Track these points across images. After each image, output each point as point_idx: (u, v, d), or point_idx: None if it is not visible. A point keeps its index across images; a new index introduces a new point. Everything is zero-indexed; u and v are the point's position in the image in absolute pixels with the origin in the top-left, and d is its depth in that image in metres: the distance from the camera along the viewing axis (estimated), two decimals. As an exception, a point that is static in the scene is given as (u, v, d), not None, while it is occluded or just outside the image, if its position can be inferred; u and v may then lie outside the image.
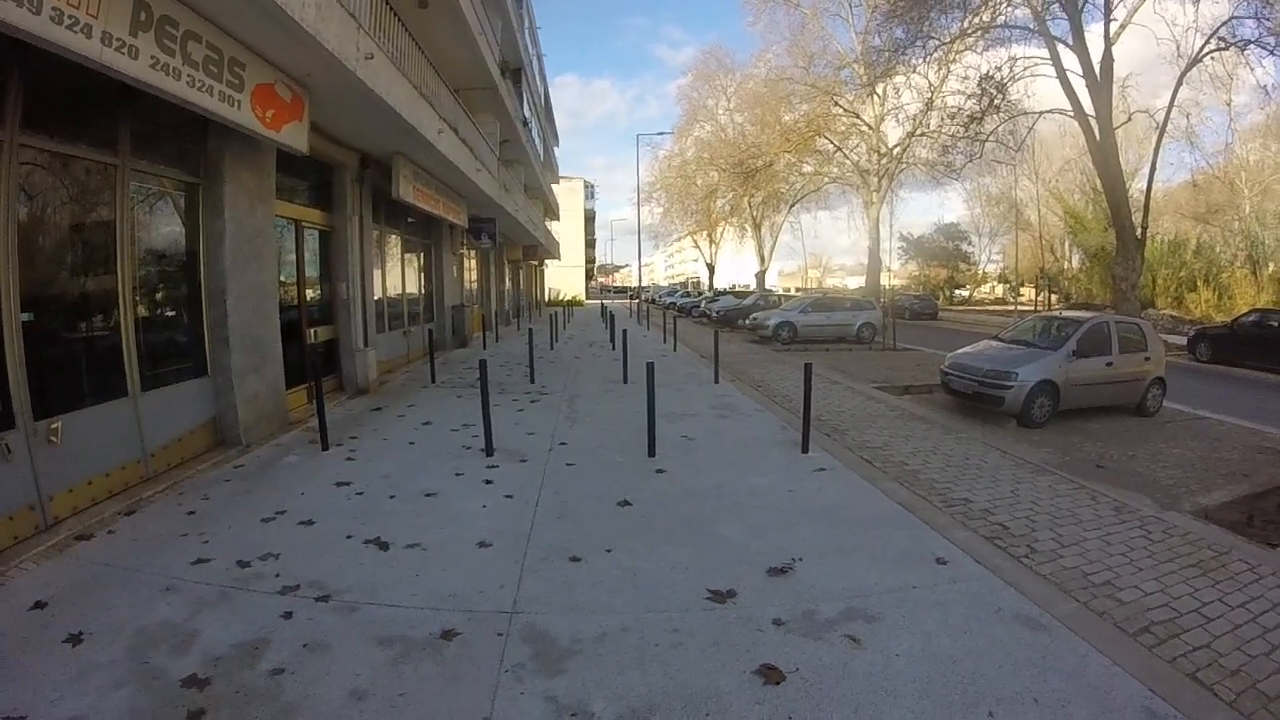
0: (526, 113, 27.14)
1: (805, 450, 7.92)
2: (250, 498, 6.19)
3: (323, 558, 4.85)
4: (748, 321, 25.22)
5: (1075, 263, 58.20)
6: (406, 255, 16.38)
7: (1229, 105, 25.95)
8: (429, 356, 13.36)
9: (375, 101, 9.04)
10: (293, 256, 10.60)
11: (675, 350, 18.74)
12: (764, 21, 44.18)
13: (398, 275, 15.61)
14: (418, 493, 6.27)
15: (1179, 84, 24.76)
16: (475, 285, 25.68)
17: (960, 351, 12.60)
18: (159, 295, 7.53)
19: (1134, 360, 11.95)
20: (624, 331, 13.31)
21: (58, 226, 6.04)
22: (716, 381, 12.86)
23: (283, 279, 10.09)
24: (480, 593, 4.35)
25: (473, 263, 24.94)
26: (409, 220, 16.18)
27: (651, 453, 7.59)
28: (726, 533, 5.37)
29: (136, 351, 6.60)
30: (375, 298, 13.37)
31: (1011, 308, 55.46)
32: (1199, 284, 42.10)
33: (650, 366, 7.99)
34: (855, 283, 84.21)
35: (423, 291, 17.71)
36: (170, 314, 7.78)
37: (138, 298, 6.77)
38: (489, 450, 7.58)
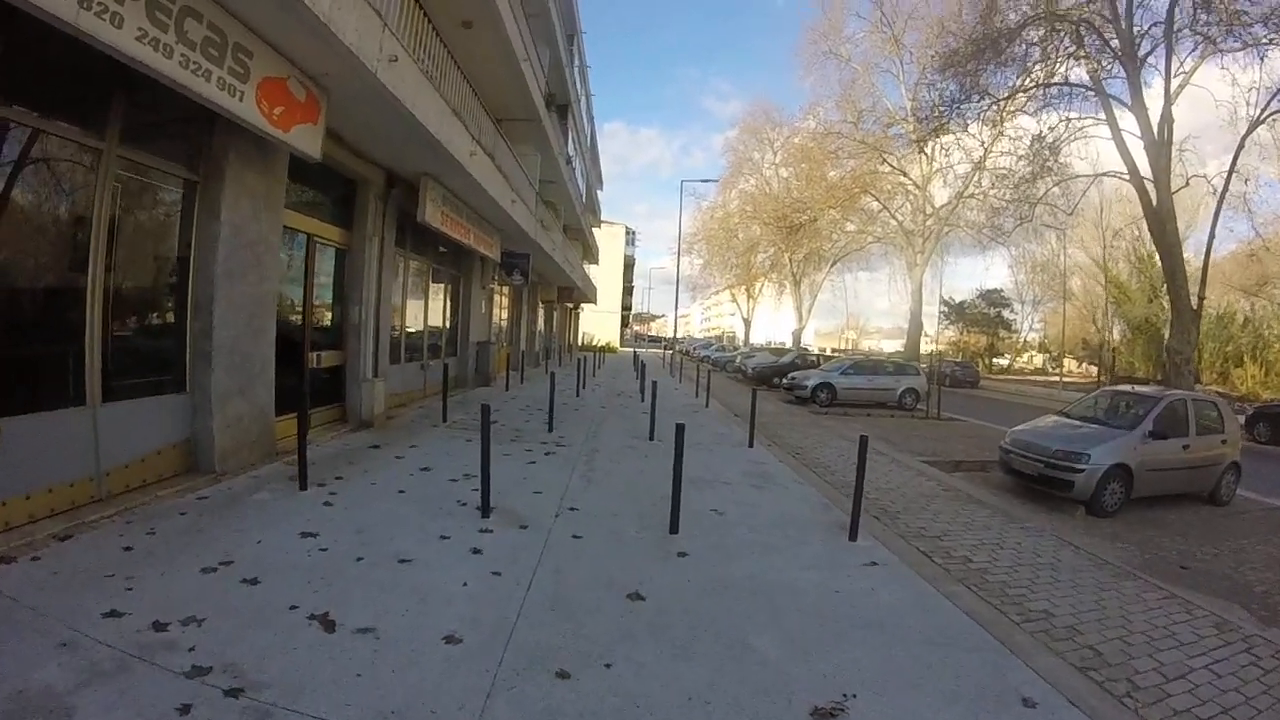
0: (571, 150, 26.54)
1: (853, 537, 6.76)
2: (200, 538, 5.31)
3: (254, 631, 3.91)
4: (785, 381, 24.02)
5: (1116, 334, 57.03)
6: (432, 285, 15.57)
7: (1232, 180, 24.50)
8: (444, 393, 12.30)
9: (399, 111, 8.27)
10: (302, 272, 9.75)
11: (707, 406, 17.65)
12: (814, 76, 44.55)
13: (420, 304, 14.77)
14: (391, 557, 5.23)
15: (1240, 147, 23.51)
16: (505, 323, 24.89)
17: (1022, 428, 11.44)
18: (136, 298, 6.71)
19: (1210, 443, 10.96)
20: (654, 383, 12.24)
21: (20, 207, 5.33)
22: (751, 445, 11.72)
23: (289, 296, 9.27)
24: (432, 715, 3.29)
25: (504, 299, 24.17)
26: (439, 249, 15.40)
27: (674, 529, 6.45)
28: (760, 645, 4.25)
29: (101, 357, 5.86)
30: (391, 326, 12.50)
31: (1055, 378, 54.52)
32: (1246, 359, 40.80)
33: (680, 429, 6.86)
34: (891, 346, 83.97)
35: (447, 324, 16.86)
36: (148, 320, 7.00)
37: (110, 298, 6.00)
38: (485, 510, 6.49)
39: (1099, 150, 29.18)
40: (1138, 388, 12.45)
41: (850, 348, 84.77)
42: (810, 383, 22.12)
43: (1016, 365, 66.35)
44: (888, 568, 6.04)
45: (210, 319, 7.07)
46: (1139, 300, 52.81)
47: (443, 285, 16.31)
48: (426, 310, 15.02)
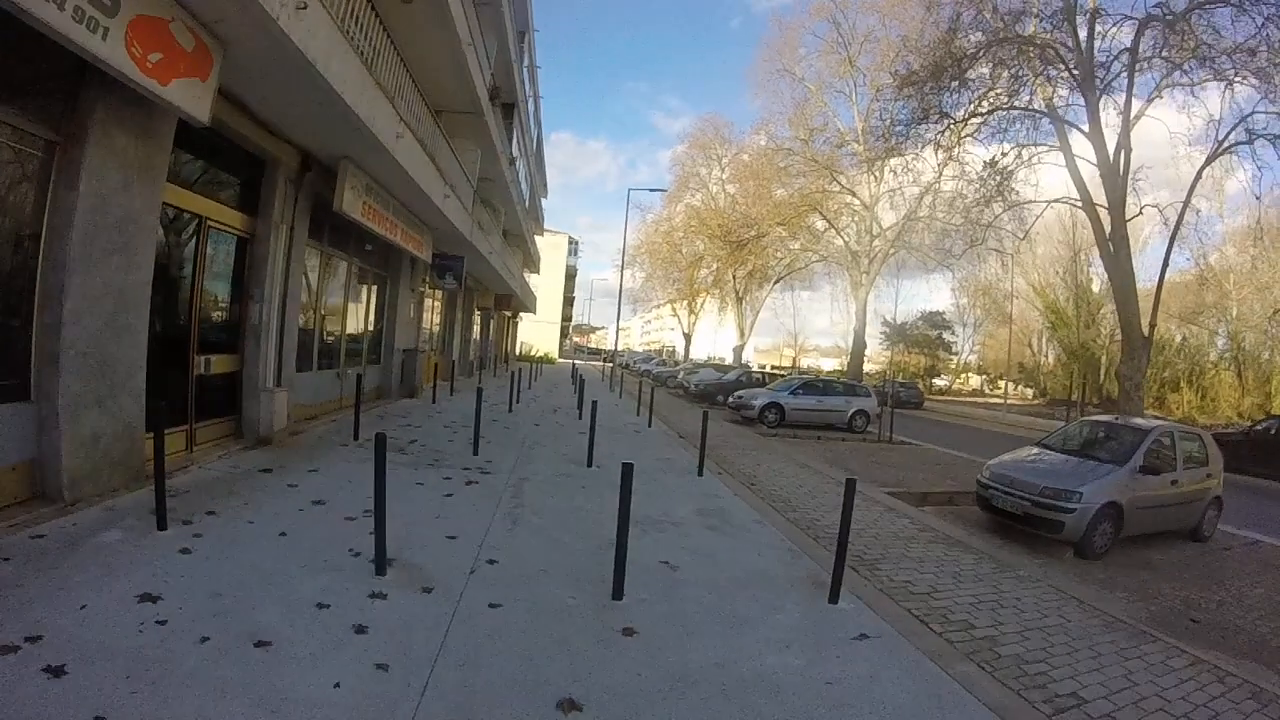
0: (515, 151, 25.24)
1: (834, 599, 5.66)
2: (12, 598, 4.05)
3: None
4: (731, 400, 22.95)
5: (1051, 358, 58.63)
6: (354, 285, 14.14)
7: (1221, 206, 25.25)
8: (356, 406, 10.90)
9: (310, 74, 6.98)
10: (189, 262, 8.31)
11: (650, 425, 16.47)
12: (767, 93, 44.60)
13: (339, 305, 13.35)
14: (247, 636, 3.93)
15: (1198, 176, 23.43)
16: (438, 329, 23.42)
17: (1003, 461, 10.54)
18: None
19: (1196, 477, 10.37)
20: (594, 403, 10.96)
21: None
22: (701, 474, 10.59)
23: (172, 289, 7.89)
24: None
25: (436, 304, 22.71)
26: (364, 245, 14.00)
27: (618, 593, 5.21)
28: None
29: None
30: (301, 328, 11.10)
31: (996, 400, 55.45)
32: (1182, 384, 41.44)
33: (628, 472, 5.73)
34: (829, 364, 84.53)
35: (370, 329, 15.43)
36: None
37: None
38: (381, 565, 5.17)
39: (1043, 178, 29.07)
40: (1122, 418, 11.66)
41: (790, 365, 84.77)
42: (758, 403, 21.10)
43: (955, 386, 66.93)
44: (882, 641, 4.97)
45: (60, 312, 5.71)
46: (1075, 325, 53.80)
47: (366, 286, 14.88)
48: (346, 312, 13.60)
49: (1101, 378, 51.76)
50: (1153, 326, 24.56)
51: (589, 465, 10.25)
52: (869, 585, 6.41)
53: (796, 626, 5.06)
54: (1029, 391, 59.76)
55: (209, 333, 8.87)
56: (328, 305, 12.82)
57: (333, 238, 12.31)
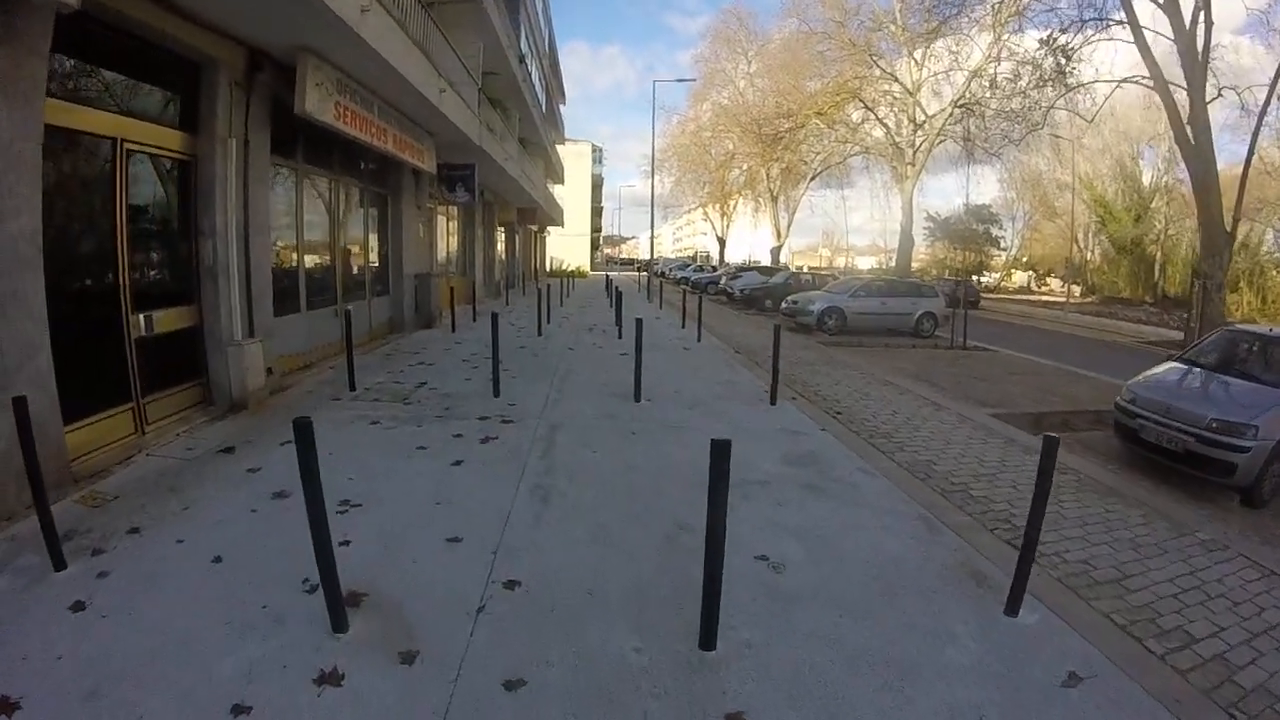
0: (525, 47, 22.82)
1: (1013, 611, 3.81)
2: None
3: None
4: (785, 305, 20.73)
5: (1098, 255, 56.26)
6: (347, 207, 12.18)
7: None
8: (349, 350, 9.04)
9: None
10: (106, 197, 6.39)
11: (700, 340, 14.52)
12: None
13: (327, 232, 11.41)
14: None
15: None
16: (456, 250, 21.48)
17: (1149, 382, 8.45)
18: None
19: None
20: (639, 321, 8.88)
21: None
22: (774, 401, 8.69)
23: (83, 235, 6.05)
24: None
25: (452, 222, 20.72)
26: (352, 160, 12.03)
27: (708, 641, 3.35)
28: None
29: None
30: (279, 262, 9.33)
31: (1044, 297, 53.17)
32: (1242, 285, 38.55)
33: (722, 452, 3.73)
34: (866, 262, 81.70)
35: (373, 256, 13.52)
36: None
37: None
38: (339, 617, 3.37)
39: (1101, 60, 26.20)
40: (1274, 330, 9.45)
41: (827, 265, 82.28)
42: (816, 308, 18.96)
43: (1002, 284, 64.17)
44: (1100, 683, 3.23)
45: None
46: (1125, 220, 51.34)
47: (363, 207, 12.89)
48: (338, 239, 11.65)
49: (1156, 275, 49.64)
50: (1236, 221, 22.79)
51: (637, 400, 8.41)
52: (1042, 572, 4.51)
53: (978, 667, 3.26)
54: (1075, 289, 57.16)
55: (148, 284, 7.03)
56: (315, 233, 10.94)
57: (310, 153, 10.34)
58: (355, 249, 12.62)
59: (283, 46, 8.16)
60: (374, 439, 6.49)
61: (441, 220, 18.98)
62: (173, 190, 7.55)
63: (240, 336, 7.90)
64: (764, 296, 26.25)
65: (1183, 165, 40.99)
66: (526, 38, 23.73)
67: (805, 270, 43.31)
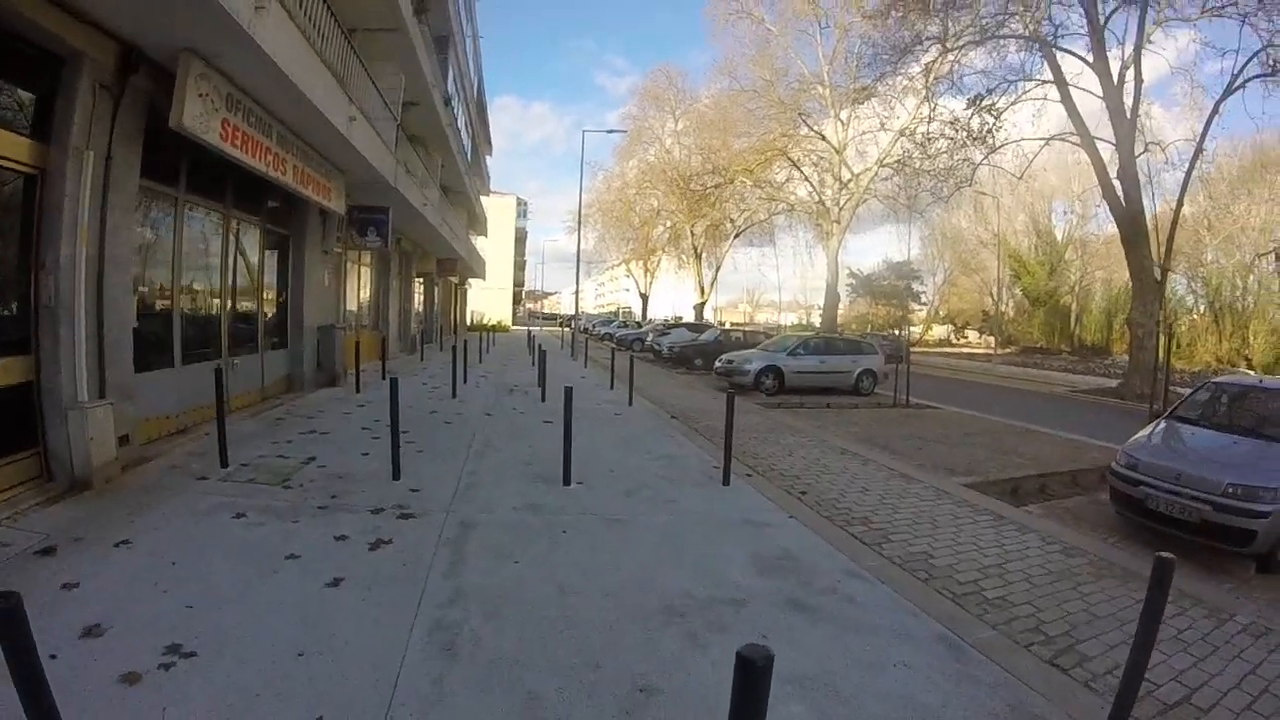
0: (452, 89, 21.70)
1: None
2: None
3: None
4: (719, 365, 19.65)
5: (1011, 307, 58.79)
6: (240, 246, 10.69)
7: (1203, 149, 23.21)
8: (220, 418, 7.46)
9: None
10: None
11: (631, 404, 13.30)
12: (725, 36, 41.46)
13: (209, 273, 9.89)
14: None
15: (1214, 111, 21.92)
16: (368, 300, 19.92)
17: (1148, 444, 7.73)
18: None
19: None
20: (567, 390, 7.28)
21: None
22: (727, 481, 7.49)
23: None
24: None
25: (366, 271, 19.21)
26: (252, 193, 10.63)
27: None
28: None
29: None
30: (150, 304, 7.87)
31: (965, 349, 54.51)
32: (1158, 331, 40.67)
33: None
34: (789, 319, 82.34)
35: (269, 303, 11.98)
36: None
37: None
38: None
39: (1018, 120, 26.86)
40: (1265, 380, 8.83)
41: (747, 321, 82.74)
42: (752, 367, 17.93)
43: (924, 337, 65.44)
44: None
45: None
46: (1039, 273, 53.77)
47: (259, 247, 11.39)
48: (226, 282, 10.14)
49: (1072, 324, 51.89)
50: (1165, 271, 23.65)
51: (566, 483, 7.03)
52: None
53: None
54: (991, 340, 58.95)
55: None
56: (197, 274, 9.47)
57: (196, 181, 8.91)
58: (247, 295, 11.10)
59: (162, 45, 6.84)
60: (234, 542, 5.03)
61: (352, 268, 17.46)
62: (11, 212, 6.12)
63: (86, 397, 6.39)
64: (694, 355, 25.22)
65: (1096, 220, 42.21)
66: (454, 81, 22.64)
67: (730, 326, 42.67)
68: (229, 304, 10.23)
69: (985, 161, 28.02)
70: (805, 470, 8.81)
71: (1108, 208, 23.97)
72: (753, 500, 6.98)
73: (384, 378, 15.09)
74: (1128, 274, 45.96)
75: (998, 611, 4.86)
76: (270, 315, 11.95)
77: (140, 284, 7.93)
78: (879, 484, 8.25)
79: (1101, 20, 22.13)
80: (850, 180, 37.17)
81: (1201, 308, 43.38)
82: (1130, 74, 22.18)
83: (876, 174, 35.64)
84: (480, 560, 4.93)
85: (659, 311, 77.09)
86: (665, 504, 6.62)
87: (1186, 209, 30.92)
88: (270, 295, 11.97)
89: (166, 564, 4.61)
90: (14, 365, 6.01)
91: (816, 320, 64.59)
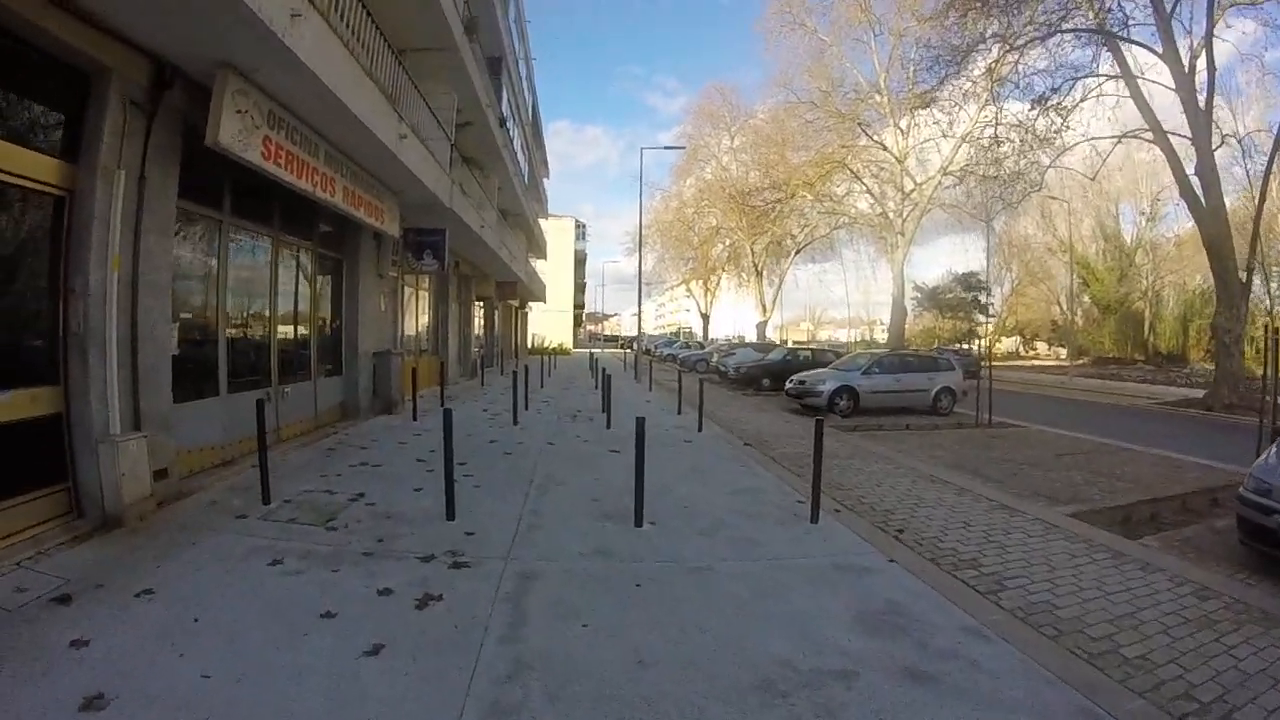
0: (506, 111, 21.37)
1: None
2: None
3: None
4: (790, 386, 18.75)
5: (1080, 316, 55.26)
6: (290, 270, 10.33)
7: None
8: (262, 451, 6.89)
9: None
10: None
11: (701, 429, 12.55)
12: (778, 49, 41.15)
13: (257, 299, 9.48)
14: None
15: None
16: (427, 325, 19.55)
17: (1277, 465, 6.65)
18: None
19: None
20: (639, 420, 6.47)
21: None
22: (816, 519, 6.70)
23: None
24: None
25: (424, 295, 18.85)
26: (308, 220, 10.37)
27: None
28: None
29: None
30: (192, 331, 7.48)
31: (1036, 362, 52.49)
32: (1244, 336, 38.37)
33: None
34: (845, 336, 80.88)
35: (322, 329, 11.59)
36: None
37: None
38: None
39: (1086, 119, 25.35)
40: None
41: (809, 339, 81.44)
42: (826, 388, 17.02)
43: (995, 350, 63.65)
44: None
45: None
46: (1108, 280, 51.54)
47: (310, 272, 11.02)
48: (275, 307, 9.74)
49: (1146, 332, 49.25)
50: (1250, 271, 21.99)
51: (638, 523, 6.31)
52: None
53: None
54: (1062, 351, 56.70)
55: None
56: (243, 300, 9.09)
57: (241, 203, 8.53)
58: (299, 321, 10.71)
59: (195, 59, 6.46)
60: (266, 594, 4.45)
61: (410, 292, 17.12)
62: (38, 234, 5.71)
63: (119, 429, 5.94)
64: (761, 375, 24.33)
65: (1166, 221, 40.23)
66: (509, 102, 22.37)
67: (794, 344, 41.70)
68: (279, 330, 9.84)
69: (1054, 164, 26.85)
70: (898, 503, 7.94)
71: (1185, 206, 22.48)
72: (845, 540, 6.18)
73: (442, 405, 14.62)
74: (1199, 277, 44.79)
75: (1142, 675, 4.07)
76: (324, 341, 11.56)
77: (182, 310, 7.51)
78: (980, 517, 7.37)
79: (1168, 7, 20.72)
80: (913, 190, 36.38)
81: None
82: (1201, 63, 20.85)
83: (940, 183, 34.70)
84: (543, 621, 4.24)
85: (720, 331, 76.40)
86: (748, 547, 5.85)
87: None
88: (323, 321, 11.59)
89: (189, 620, 4.05)
90: (42, 396, 5.60)
91: (880, 336, 63.40)
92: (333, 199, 9.30)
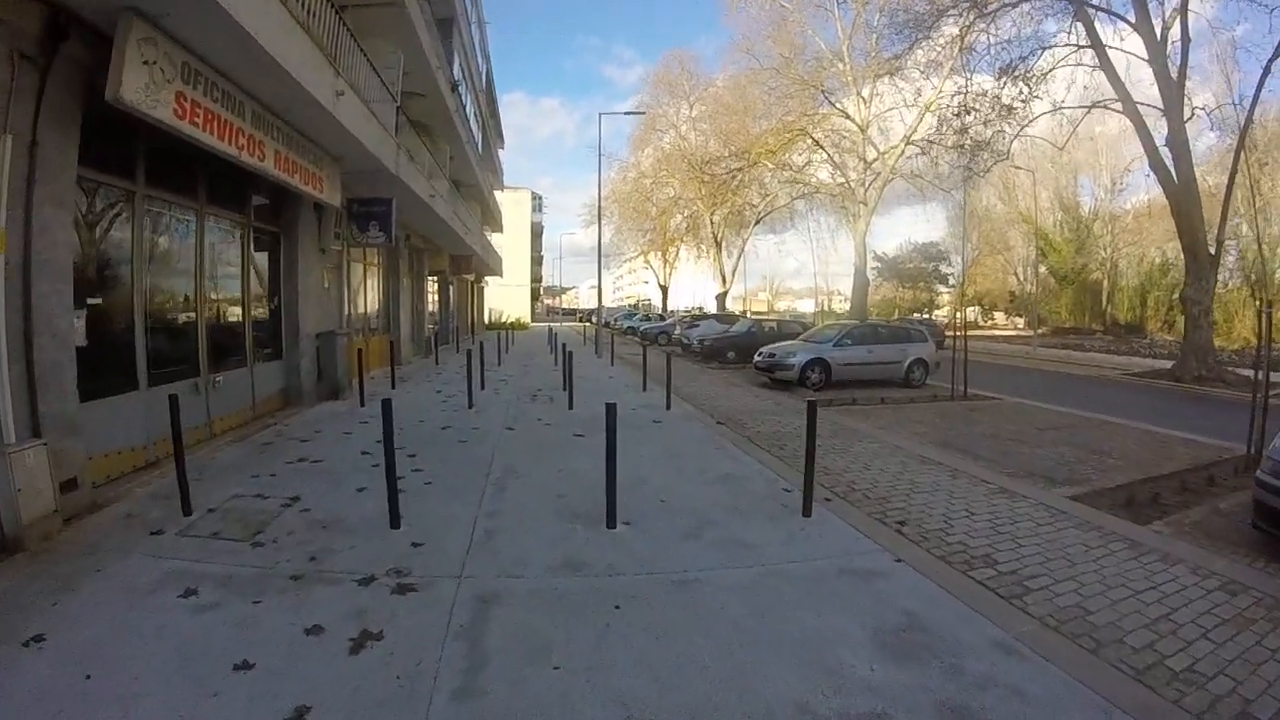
0: (458, 75, 20.34)
1: None
2: None
3: None
4: (759, 359, 18.09)
5: (1036, 286, 56.23)
6: (216, 246, 9.40)
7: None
8: (178, 455, 6.02)
9: None
10: None
11: (669, 408, 11.88)
12: (738, 16, 39.76)
13: (182, 279, 8.57)
14: None
15: (1266, 71, 19.90)
16: (378, 303, 18.58)
17: None
18: None
19: None
20: (609, 406, 5.69)
21: None
22: (808, 512, 6.07)
23: None
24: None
25: (373, 270, 17.86)
26: (240, 192, 9.50)
27: None
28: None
29: None
30: (103, 316, 6.62)
31: (997, 331, 52.80)
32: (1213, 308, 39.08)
33: None
34: (805, 307, 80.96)
35: (259, 310, 10.67)
36: None
37: None
38: None
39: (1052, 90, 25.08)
40: None
41: (768, 310, 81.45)
42: (796, 360, 16.40)
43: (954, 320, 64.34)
44: None
45: None
46: (1066, 251, 52.06)
47: (242, 248, 10.10)
48: (203, 288, 8.83)
49: (1104, 302, 50.01)
50: (1220, 243, 21.90)
51: (610, 524, 5.62)
52: None
53: None
54: (1019, 320, 57.19)
55: None
56: (166, 280, 8.18)
57: (158, 172, 7.61)
58: (231, 302, 9.81)
59: (96, 4, 5.54)
60: (174, 637, 3.69)
61: (357, 268, 16.13)
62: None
63: (12, 438, 5.12)
64: (727, 348, 23.70)
65: (1125, 192, 40.31)
66: (461, 66, 21.32)
67: (754, 315, 41.16)
68: (208, 313, 8.92)
69: (1021, 134, 26.33)
70: (891, 488, 7.35)
71: (1152, 179, 22.33)
72: (844, 536, 5.57)
73: (393, 387, 13.79)
74: (1154, 249, 45.31)
75: (1194, 691, 3.60)
76: (261, 323, 10.64)
77: (90, 295, 6.62)
78: (982, 504, 6.82)
79: None
80: (875, 159, 35.77)
81: (1236, 282, 40.97)
82: (1174, 33, 20.57)
83: (903, 152, 34.06)
84: (505, 663, 3.52)
85: (679, 302, 75.87)
86: (739, 550, 5.20)
87: (1219, 178, 29.45)
88: (260, 301, 10.65)
89: (80, 678, 3.32)
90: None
91: (838, 306, 63.28)
92: (262, 164, 8.37)
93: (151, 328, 7.58)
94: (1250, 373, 20.16)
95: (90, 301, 6.63)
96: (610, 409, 5.62)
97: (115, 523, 5.58)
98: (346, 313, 14.89)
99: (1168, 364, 23.46)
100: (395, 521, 5.45)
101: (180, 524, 5.50)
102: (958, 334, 16.62)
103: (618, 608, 4.18)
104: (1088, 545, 5.68)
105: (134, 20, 5.67)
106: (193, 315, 8.63)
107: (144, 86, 5.86)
